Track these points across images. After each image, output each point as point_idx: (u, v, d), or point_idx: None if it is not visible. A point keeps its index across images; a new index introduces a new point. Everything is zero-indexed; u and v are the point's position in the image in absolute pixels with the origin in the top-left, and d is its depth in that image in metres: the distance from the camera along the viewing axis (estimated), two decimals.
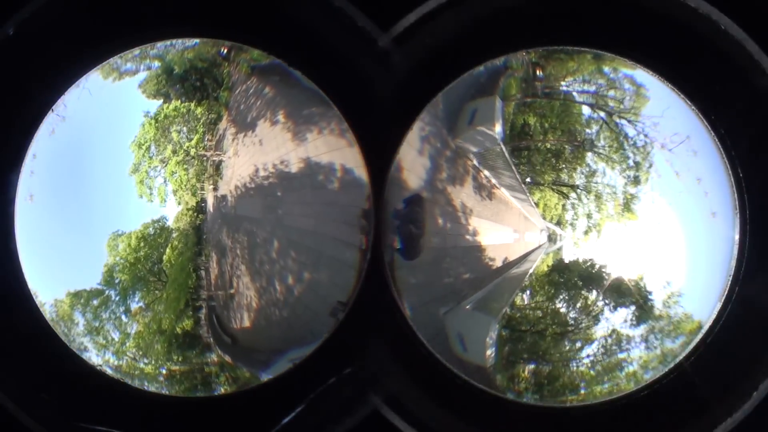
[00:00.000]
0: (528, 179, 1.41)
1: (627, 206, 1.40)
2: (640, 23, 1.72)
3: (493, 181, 1.43)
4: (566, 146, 1.35)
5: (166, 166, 1.73)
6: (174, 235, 1.75)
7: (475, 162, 1.36)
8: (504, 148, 1.35)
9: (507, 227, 1.42)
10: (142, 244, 1.73)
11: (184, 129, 1.77)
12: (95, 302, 1.76)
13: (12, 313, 1.71)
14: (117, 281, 1.75)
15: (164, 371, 1.80)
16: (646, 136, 1.47)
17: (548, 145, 1.34)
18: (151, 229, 1.74)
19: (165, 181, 1.73)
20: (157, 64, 1.79)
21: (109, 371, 1.77)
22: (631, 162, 1.43)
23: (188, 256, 1.77)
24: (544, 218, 1.40)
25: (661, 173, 1.71)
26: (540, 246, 1.43)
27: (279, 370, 1.77)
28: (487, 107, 1.33)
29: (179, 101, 1.77)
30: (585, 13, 1.73)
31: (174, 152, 1.74)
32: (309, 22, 1.74)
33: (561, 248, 1.43)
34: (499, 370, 1.34)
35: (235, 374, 1.81)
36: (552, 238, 1.41)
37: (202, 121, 1.75)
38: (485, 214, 1.78)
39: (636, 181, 1.41)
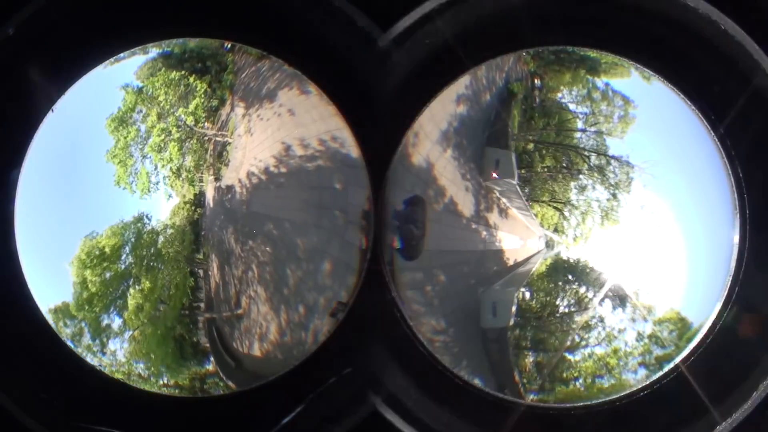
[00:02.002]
0: (527, 191, 1.66)
1: (609, 216, 1.63)
2: (640, 23, 1.72)
3: (500, 197, 1.68)
4: (560, 172, 1.63)
5: (149, 138, 1.59)
6: (162, 238, 1.65)
7: (494, 191, 1.65)
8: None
9: (513, 235, 1.67)
10: (101, 267, 1.63)
11: (175, 96, 1.65)
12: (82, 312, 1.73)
13: (12, 313, 1.71)
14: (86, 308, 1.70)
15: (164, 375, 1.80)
16: (628, 156, 1.68)
17: (545, 170, 1.62)
18: (122, 237, 1.64)
19: (154, 167, 1.60)
20: (155, 50, 1.77)
21: (108, 371, 1.77)
22: (618, 175, 1.65)
23: (179, 298, 1.67)
24: (543, 227, 1.65)
25: (657, 177, 1.73)
26: (539, 252, 1.66)
27: (279, 371, 1.77)
28: (507, 161, 1.62)
29: (174, 72, 1.69)
30: (584, 13, 1.73)
31: (160, 117, 1.61)
32: (309, 22, 1.74)
33: (559, 253, 1.67)
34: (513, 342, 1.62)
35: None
36: (550, 245, 1.65)
37: (201, 91, 1.67)
38: (486, 217, 1.79)
39: (625, 190, 1.64)
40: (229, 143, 1.74)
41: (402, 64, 1.74)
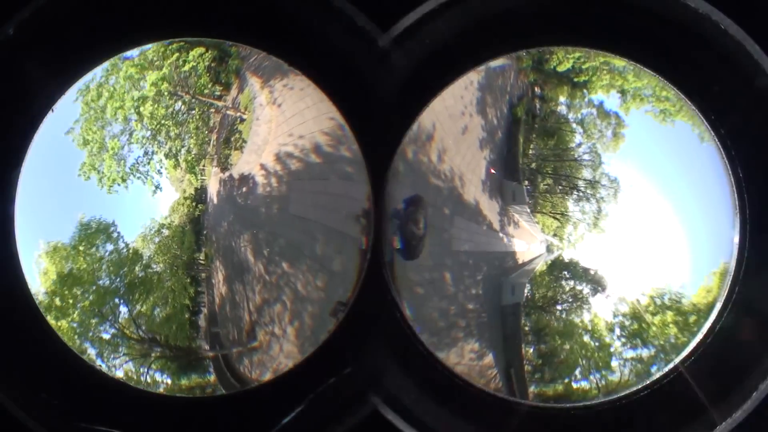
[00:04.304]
0: (531, 203, 1.80)
1: (599, 223, 1.75)
2: (640, 23, 1.72)
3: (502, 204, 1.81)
4: (558, 189, 1.76)
5: (125, 96, 1.27)
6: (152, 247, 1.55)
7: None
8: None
9: (517, 239, 1.80)
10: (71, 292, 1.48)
11: (170, 63, 1.41)
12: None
13: (12, 313, 1.71)
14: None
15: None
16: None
17: (546, 187, 1.76)
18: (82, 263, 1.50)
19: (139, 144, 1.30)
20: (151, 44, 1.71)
21: (108, 371, 1.77)
22: (608, 190, 1.75)
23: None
24: (544, 233, 1.77)
25: (659, 179, 1.74)
26: (540, 255, 1.78)
27: (279, 371, 1.77)
28: (520, 192, 1.78)
29: (171, 45, 1.51)
30: (585, 13, 1.73)
31: (139, 67, 1.32)
32: (309, 22, 1.74)
33: (560, 256, 1.78)
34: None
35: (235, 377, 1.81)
36: (550, 249, 1.77)
37: (204, 58, 1.46)
38: (487, 217, 1.79)
39: (615, 200, 1.75)
40: (244, 119, 1.62)
41: (402, 64, 1.74)
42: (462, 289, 1.78)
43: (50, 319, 1.73)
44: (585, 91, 1.77)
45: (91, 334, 1.72)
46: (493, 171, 1.78)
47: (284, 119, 1.79)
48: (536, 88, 1.79)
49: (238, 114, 1.56)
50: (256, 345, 1.79)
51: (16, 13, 1.64)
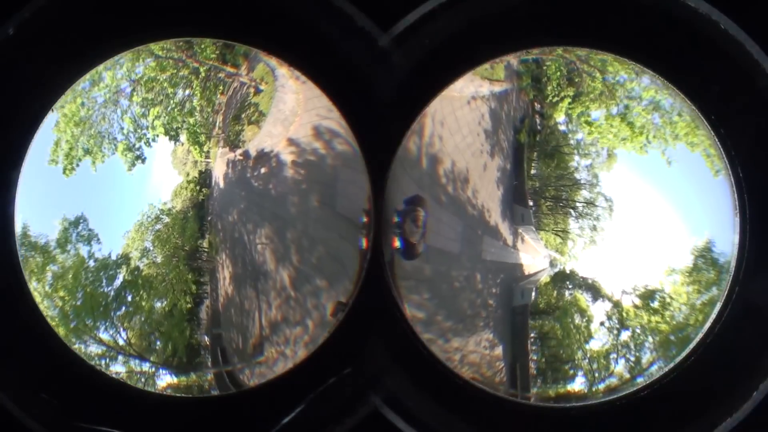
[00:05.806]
0: (535, 221, 1.85)
1: (596, 238, 1.80)
2: (641, 23, 1.72)
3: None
4: (558, 209, 1.83)
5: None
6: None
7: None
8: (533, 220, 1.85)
9: (520, 252, 1.85)
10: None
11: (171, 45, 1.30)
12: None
13: (12, 313, 1.71)
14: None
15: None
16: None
17: (548, 207, 1.83)
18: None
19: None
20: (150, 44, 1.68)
21: (108, 371, 1.77)
22: (605, 206, 1.79)
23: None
24: (547, 248, 1.82)
25: (658, 181, 1.75)
26: (543, 269, 1.82)
27: (279, 370, 1.77)
28: (528, 215, 1.83)
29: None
30: (585, 13, 1.73)
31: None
32: (309, 22, 1.74)
33: (563, 269, 1.82)
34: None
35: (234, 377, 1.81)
36: (553, 264, 1.82)
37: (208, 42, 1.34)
38: (487, 217, 1.79)
39: (610, 215, 1.80)
40: (261, 90, 1.49)
41: (402, 64, 1.74)
42: (466, 290, 1.79)
43: (50, 319, 1.73)
44: (581, 110, 1.79)
45: (90, 333, 1.72)
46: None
47: (313, 95, 1.76)
48: (536, 104, 1.81)
49: (254, 83, 1.43)
50: (261, 360, 1.78)
51: (16, 13, 1.64)
